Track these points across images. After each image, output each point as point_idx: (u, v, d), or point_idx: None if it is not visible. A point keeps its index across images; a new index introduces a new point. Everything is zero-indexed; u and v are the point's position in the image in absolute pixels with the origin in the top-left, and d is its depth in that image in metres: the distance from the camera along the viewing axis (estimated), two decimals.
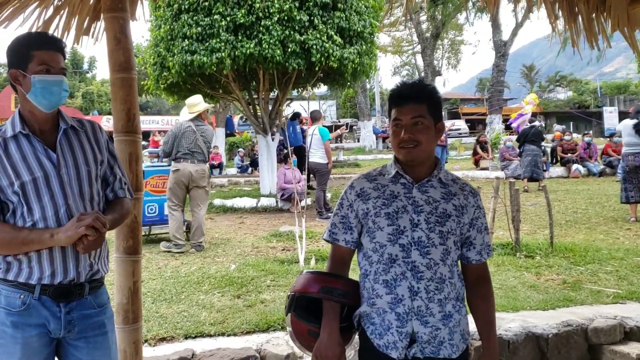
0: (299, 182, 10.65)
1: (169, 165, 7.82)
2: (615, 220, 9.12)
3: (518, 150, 14.37)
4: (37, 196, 2.03)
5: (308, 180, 13.44)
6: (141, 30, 52.05)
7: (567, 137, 18.12)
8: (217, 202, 11.82)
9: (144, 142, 22.90)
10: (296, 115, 14.10)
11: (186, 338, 4.08)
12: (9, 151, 2.04)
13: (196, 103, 7.71)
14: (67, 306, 2.09)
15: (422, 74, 33.84)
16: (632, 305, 4.68)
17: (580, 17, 3.93)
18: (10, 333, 2.04)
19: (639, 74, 17.27)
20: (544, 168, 15.73)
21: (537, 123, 14.82)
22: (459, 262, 2.15)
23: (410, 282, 2.00)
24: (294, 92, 14.76)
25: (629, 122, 9.29)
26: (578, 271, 5.77)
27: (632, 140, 9.12)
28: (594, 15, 3.97)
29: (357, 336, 2.19)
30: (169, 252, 7.22)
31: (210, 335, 4.11)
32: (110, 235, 2.44)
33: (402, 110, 2.04)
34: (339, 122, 34.59)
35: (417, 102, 2.04)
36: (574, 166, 16.72)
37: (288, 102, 14.16)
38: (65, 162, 2.09)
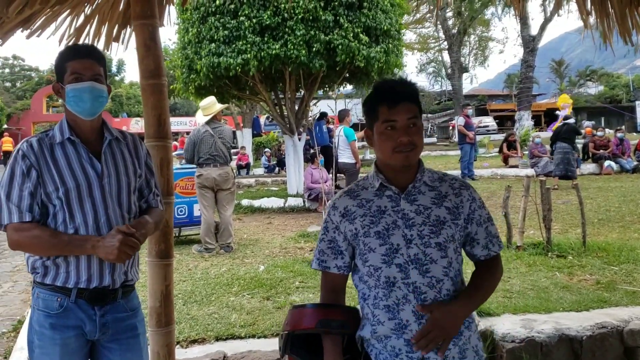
0: (326, 182, 10.66)
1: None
2: None
3: (550, 149, 14.10)
4: (79, 203, 2.09)
5: (335, 179, 13.44)
6: (168, 33, 52.65)
7: (599, 133, 17.77)
8: (245, 202, 11.89)
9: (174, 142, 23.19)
10: (323, 115, 14.11)
11: (217, 340, 4.11)
12: (55, 157, 2.10)
13: (210, 105, 7.74)
14: (102, 309, 2.15)
15: (449, 71, 33.54)
16: None
17: (612, 11, 3.85)
18: (49, 335, 2.10)
19: None
20: (576, 165, 15.46)
21: (571, 120, 14.51)
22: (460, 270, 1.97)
23: (414, 306, 1.83)
24: (320, 92, 14.77)
25: None
26: (612, 271, 5.65)
27: None
28: (627, 10, 3.89)
29: None
30: (199, 254, 7.30)
31: (240, 337, 4.13)
32: None
33: (396, 110, 1.85)
34: (363, 119, 34.43)
35: (411, 101, 1.87)
36: (606, 163, 16.39)
37: (314, 101, 14.17)
38: (108, 172, 2.16)
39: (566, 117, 14.36)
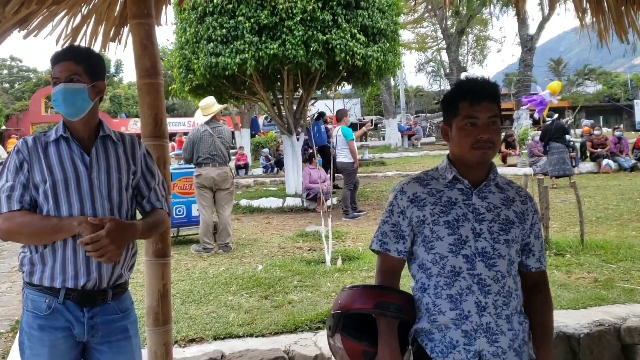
0: (324, 182, 10.66)
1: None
2: None
3: (543, 148, 14.08)
4: (66, 196, 2.10)
5: (333, 179, 13.44)
6: (166, 33, 52.50)
7: (596, 132, 17.79)
8: (244, 202, 11.90)
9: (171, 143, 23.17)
10: (321, 115, 14.11)
11: (215, 339, 4.11)
12: (48, 153, 2.14)
13: (210, 105, 7.75)
14: (91, 311, 2.14)
15: (447, 70, 33.54)
16: None
17: (608, 9, 3.86)
18: (37, 336, 2.11)
19: None
20: (573, 164, 15.48)
21: (556, 116, 14.52)
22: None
23: (478, 297, 1.86)
24: (318, 92, 14.77)
25: None
26: (610, 269, 5.66)
27: None
28: (623, 8, 3.90)
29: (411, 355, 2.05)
30: (197, 254, 7.30)
31: (238, 336, 4.13)
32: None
33: (478, 108, 1.88)
34: (363, 119, 34.48)
35: (492, 100, 1.91)
36: (605, 161, 16.41)
37: (312, 101, 14.17)
38: (98, 167, 2.17)
39: (550, 115, 14.36)
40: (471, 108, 1.89)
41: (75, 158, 2.15)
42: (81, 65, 2.15)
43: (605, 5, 3.83)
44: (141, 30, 2.93)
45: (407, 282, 2.17)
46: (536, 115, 19.01)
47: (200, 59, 10.38)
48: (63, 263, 2.10)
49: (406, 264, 2.09)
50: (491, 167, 2.00)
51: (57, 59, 2.16)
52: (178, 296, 5.23)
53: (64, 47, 2.31)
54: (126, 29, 3.35)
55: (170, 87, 14.01)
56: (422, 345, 1.94)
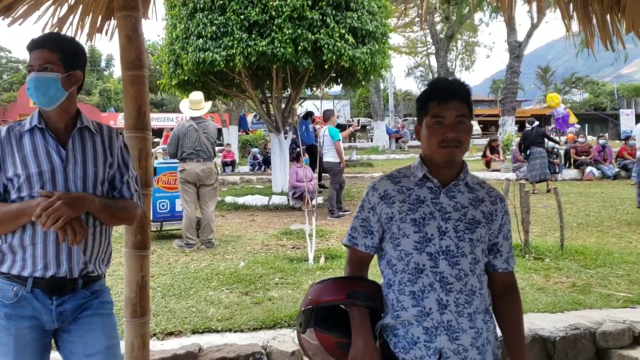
0: (310, 181, 10.68)
1: None
2: (629, 223, 9.04)
3: (523, 153, 14.15)
4: (40, 188, 2.07)
5: (320, 179, 13.47)
6: (157, 29, 52.27)
7: (580, 139, 17.97)
8: (229, 199, 11.88)
9: (157, 139, 23.06)
10: (309, 114, 14.12)
11: (194, 333, 4.12)
12: (22, 144, 2.10)
13: (199, 100, 7.75)
14: (60, 299, 2.11)
15: (436, 75, 33.71)
16: None
17: (594, 18, 3.91)
18: (4, 325, 2.08)
19: None
20: (557, 170, 15.64)
21: (536, 123, 14.67)
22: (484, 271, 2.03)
23: (439, 295, 1.88)
24: (307, 91, 14.78)
25: None
26: (588, 274, 5.73)
27: None
28: (608, 16, 3.95)
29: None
30: (179, 249, 7.29)
31: (217, 331, 4.15)
32: (119, 231, 2.45)
33: (445, 107, 1.90)
34: (352, 120, 34.58)
35: (461, 100, 1.92)
36: (588, 169, 16.57)
37: (301, 101, 14.18)
38: (74, 160, 2.14)
39: (531, 122, 14.50)
40: (439, 107, 1.92)
41: (50, 150, 2.11)
42: (57, 54, 2.11)
43: (592, 14, 3.88)
44: (127, 22, 2.92)
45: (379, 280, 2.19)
46: (565, 129, 19.33)
47: (189, 54, 10.35)
48: (33, 255, 2.07)
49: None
50: (462, 167, 2.01)
51: (32, 46, 2.12)
52: (159, 290, 5.22)
53: (43, 34, 2.27)
54: (113, 21, 3.35)
55: (158, 82, 13.95)
56: (387, 341, 1.97)
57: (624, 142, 18.59)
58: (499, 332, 2.04)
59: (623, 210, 10.32)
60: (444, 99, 1.92)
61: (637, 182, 9.35)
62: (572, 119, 17.79)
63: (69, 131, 2.18)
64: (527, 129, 14.18)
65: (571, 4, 3.82)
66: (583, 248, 6.74)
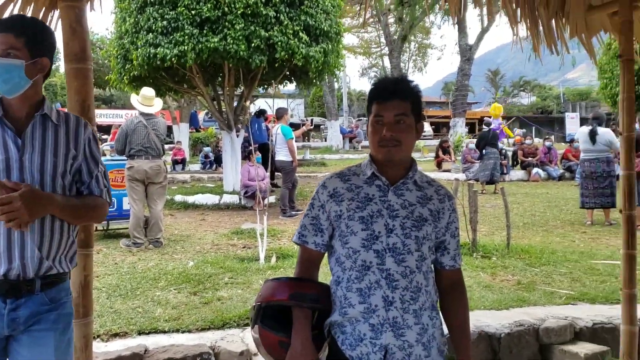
0: (262, 180, 10.61)
1: None
2: (572, 223, 9.35)
3: (479, 153, 14.53)
4: None
5: (272, 177, 13.40)
6: (106, 22, 50.74)
7: (527, 141, 18.49)
8: (179, 198, 11.68)
9: (105, 136, 22.52)
10: (261, 112, 14.03)
11: (139, 334, 4.03)
12: None
13: (151, 97, 7.60)
14: (14, 303, 1.98)
15: (390, 76, 34.01)
16: (583, 306, 4.79)
17: (541, 22, 4.01)
18: None
19: (598, 80, 17.72)
20: (505, 171, 16.08)
21: (493, 126, 15.08)
22: (432, 268, 2.06)
23: (385, 291, 1.89)
24: (260, 89, 14.69)
25: (585, 129, 9.54)
26: (533, 272, 5.89)
27: (588, 146, 9.36)
28: (553, 21, 4.06)
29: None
30: (126, 248, 7.12)
31: (164, 332, 4.07)
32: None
33: (385, 107, 1.92)
34: (305, 119, 34.59)
35: (401, 99, 1.93)
36: (534, 170, 17.07)
37: (254, 98, 14.08)
38: (31, 149, 2.00)
39: (487, 123, 14.87)
40: (379, 106, 1.95)
41: (7, 138, 1.98)
42: (22, 39, 1.97)
43: (538, 18, 3.98)
44: (71, 13, 2.81)
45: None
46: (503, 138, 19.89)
47: (139, 49, 10.13)
48: None
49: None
50: (411, 166, 2.03)
51: None
52: (104, 290, 5.09)
53: (9, 15, 2.11)
54: (56, 12, 3.23)
55: (107, 77, 13.62)
56: (335, 338, 1.97)
57: (568, 144, 19.23)
58: (445, 329, 2.06)
59: (567, 210, 10.68)
60: (383, 98, 1.95)
61: (580, 183, 9.66)
62: (505, 132, 18.37)
63: (30, 119, 2.04)
64: (484, 129, 14.52)
65: (518, 9, 3.91)
66: (528, 247, 6.92)
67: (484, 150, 14.00)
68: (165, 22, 9.92)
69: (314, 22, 10.44)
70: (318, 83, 13.01)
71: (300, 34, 10.14)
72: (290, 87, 15.26)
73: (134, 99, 7.82)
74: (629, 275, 3.70)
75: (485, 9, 3.97)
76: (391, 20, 31.12)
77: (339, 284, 1.98)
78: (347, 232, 1.96)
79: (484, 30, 26.09)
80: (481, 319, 4.25)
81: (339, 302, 1.96)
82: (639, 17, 3.89)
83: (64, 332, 2.11)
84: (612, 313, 4.43)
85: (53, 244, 2.03)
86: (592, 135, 9.20)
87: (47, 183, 2.01)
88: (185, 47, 9.70)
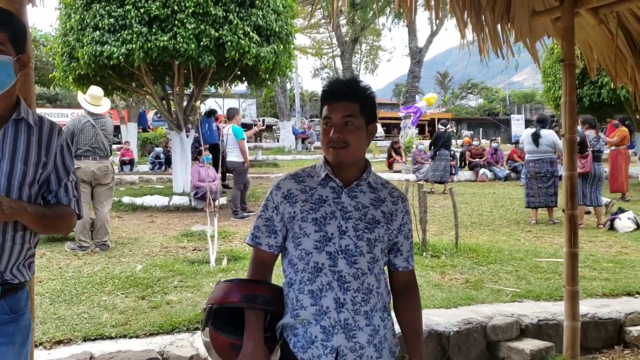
0: (213, 181, 10.48)
1: None
2: (518, 222, 9.61)
3: (430, 153, 14.74)
4: None
5: (223, 178, 13.26)
6: (50, 18, 48.85)
7: (475, 143, 18.94)
8: (126, 200, 11.42)
9: None
10: (212, 112, 13.85)
11: (85, 340, 3.89)
12: None
13: (100, 96, 7.41)
14: None
15: (342, 77, 34.21)
16: (528, 303, 4.91)
17: (487, 27, 4.10)
18: None
19: (542, 83, 18.31)
20: (453, 172, 16.43)
21: (449, 126, 15.38)
22: (385, 269, 2.07)
23: (337, 293, 1.89)
24: (211, 89, 14.52)
25: (529, 131, 9.84)
26: (480, 271, 6.01)
27: (532, 148, 9.64)
28: (499, 25, 4.16)
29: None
30: (72, 252, 6.90)
31: (111, 338, 3.94)
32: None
33: (333, 108, 1.93)
34: (257, 120, 34.42)
35: (349, 100, 1.92)
36: (481, 170, 17.49)
37: (204, 98, 13.90)
38: (1, 155, 1.86)
39: (444, 124, 15.14)
40: (328, 108, 1.95)
41: None
42: (7, 33, 1.82)
43: (484, 23, 4.07)
44: (10, 8, 2.69)
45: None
46: (411, 124, 20.19)
47: (85, 47, 9.85)
48: None
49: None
50: (365, 167, 2.03)
51: None
52: (47, 296, 4.91)
53: None
54: None
55: (51, 75, 13.19)
56: (287, 340, 1.96)
57: (514, 145, 19.80)
58: (397, 329, 2.07)
59: (513, 210, 10.98)
60: (331, 100, 1.95)
61: (525, 183, 9.95)
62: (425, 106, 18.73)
63: (4, 122, 1.88)
64: (440, 130, 14.76)
65: (465, 13, 3.99)
66: (476, 246, 7.06)
67: (437, 152, 14.21)
68: (112, 20, 9.69)
69: (265, 23, 10.39)
70: (269, 83, 12.96)
71: (251, 34, 10.07)
72: (242, 87, 15.13)
73: (81, 98, 7.60)
74: (571, 273, 3.83)
75: (434, 13, 4.03)
76: (343, 21, 31.32)
77: (291, 285, 1.97)
78: (300, 233, 1.95)
79: (434, 33, 26.60)
80: (431, 318, 4.30)
81: (291, 304, 1.95)
82: (580, 23, 4.03)
83: (23, 345, 1.99)
84: (555, 310, 4.55)
85: (12, 255, 1.91)
86: (536, 138, 9.49)
87: (13, 191, 1.88)
88: (133, 46, 9.49)
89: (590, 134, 9.31)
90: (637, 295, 5.16)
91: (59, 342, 3.86)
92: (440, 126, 15.09)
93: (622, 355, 4.35)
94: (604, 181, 9.99)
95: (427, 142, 17.12)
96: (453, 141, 18.21)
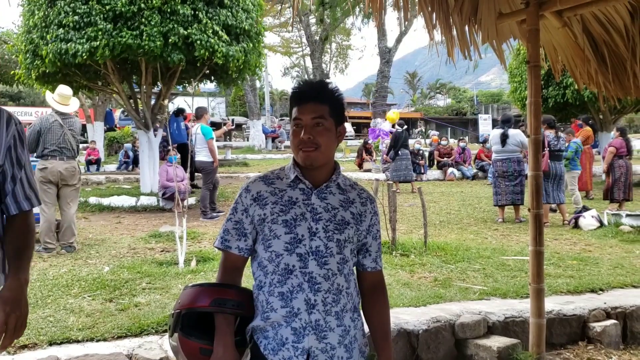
0: (181, 180, 10.37)
1: None
2: (485, 221, 9.75)
3: (392, 154, 14.74)
4: None
5: (192, 178, 13.13)
6: (13, 15, 47.65)
7: (443, 142, 19.15)
8: (93, 200, 11.22)
9: None
10: (180, 111, 13.71)
11: (50, 344, 3.81)
12: None
13: (68, 96, 7.27)
14: None
15: (311, 77, 34.29)
16: (495, 301, 4.98)
17: (454, 28, 4.15)
18: None
19: (509, 84, 18.61)
20: (422, 171, 16.59)
21: (405, 127, 15.51)
22: (354, 270, 2.08)
23: (307, 295, 1.89)
24: (179, 87, 14.37)
25: (497, 132, 10.00)
26: (449, 269, 6.07)
27: (499, 147, 9.80)
28: (466, 27, 4.21)
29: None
30: (37, 254, 6.75)
31: (77, 341, 3.87)
32: None
33: (302, 110, 1.93)
34: (227, 119, 34.21)
35: (318, 102, 1.93)
36: (450, 170, 17.71)
37: (172, 97, 13.75)
38: None
39: (401, 124, 15.26)
40: (298, 110, 1.96)
41: None
42: None
43: (452, 24, 4.11)
44: None
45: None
46: (371, 141, 20.52)
47: (49, 44, 9.64)
48: None
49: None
50: (334, 169, 2.04)
51: None
52: None
53: None
54: None
55: (13, 72, 12.89)
56: (257, 343, 1.95)
57: (481, 145, 20.08)
58: (367, 329, 2.09)
59: (480, 208, 11.14)
60: (301, 101, 1.96)
61: (493, 182, 10.10)
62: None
63: None
64: (398, 130, 14.84)
65: (434, 14, 4.03)
66: (444, 244, 7.14)
67: (397, 152, 14.28)
68: (77, 17, 9.51)
69: (234, 21, 10.33)
70: (239, 82, 12.89)
71: (220, 32, 10.00)
72: (211, 85, 15.00)
73: (49, 97, 7.45)
74: (536, 271, 3.91)
75: (402, 13, 4.07)
76: (312, 20, 31.33)
77: (261, 288, 1.97)
78: (271, 235, 1.95)
79: (403, 34, 26.79)
80: (400, 316, 4.33)
81: (261, 307, 1.95)
82: (545, 26, 4.12)
83: None
84: (522, 307, 4.63)
85: None
86: (503, 139, 9.66)
87: None
88: (98, 43, 9.33)
89: (550, 134, 9.49)
90: (601, 292, 5.29)
91: (24, 347, 3.77)
92: (397, 127, 15.17)
93: (586, 351, 4.46)
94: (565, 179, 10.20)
95: None
96: (422, 140, 18.41)
